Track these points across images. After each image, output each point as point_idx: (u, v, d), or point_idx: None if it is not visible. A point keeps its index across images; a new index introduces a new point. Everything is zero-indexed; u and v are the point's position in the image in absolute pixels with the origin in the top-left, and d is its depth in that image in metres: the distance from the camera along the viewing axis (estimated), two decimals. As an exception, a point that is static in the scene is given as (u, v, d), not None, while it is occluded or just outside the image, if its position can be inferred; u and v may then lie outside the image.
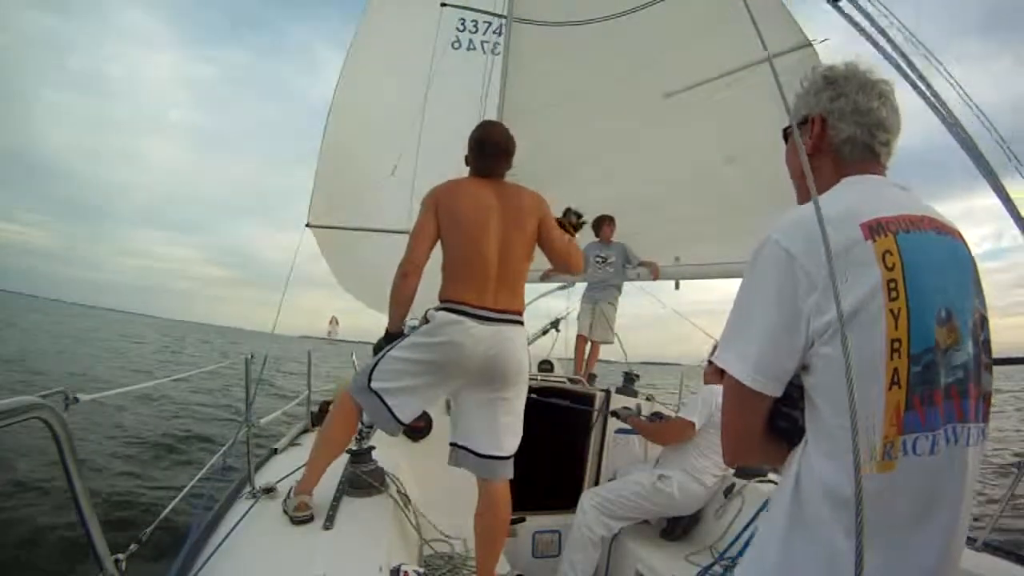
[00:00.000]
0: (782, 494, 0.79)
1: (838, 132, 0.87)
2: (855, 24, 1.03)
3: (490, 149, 1.90)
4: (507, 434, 1.78)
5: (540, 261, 2.03)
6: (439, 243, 1.85)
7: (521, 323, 1.85)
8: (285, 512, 1.64)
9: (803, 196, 0.95)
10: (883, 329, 0.71)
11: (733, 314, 0.82)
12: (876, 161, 0.87)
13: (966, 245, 0.81)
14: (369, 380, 1.73)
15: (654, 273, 3.94)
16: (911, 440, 0.71)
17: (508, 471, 1.79)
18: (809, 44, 3.15)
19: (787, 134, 0.97)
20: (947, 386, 0.73)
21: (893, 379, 0.70)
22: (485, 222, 1.80)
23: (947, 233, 0.79)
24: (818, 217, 0.72)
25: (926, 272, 0.74)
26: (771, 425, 0.82)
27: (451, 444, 1.83)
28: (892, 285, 0.71)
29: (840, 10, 1.06)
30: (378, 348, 1.84)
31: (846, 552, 0.69)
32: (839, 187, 0.85)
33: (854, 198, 0.80)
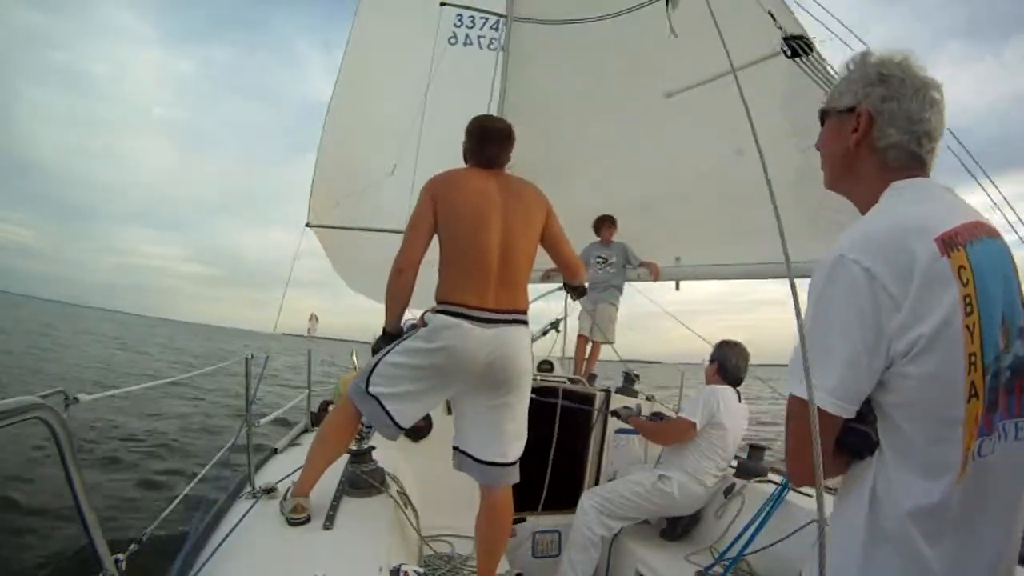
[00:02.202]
0: (855, 510, 0.79)
1: (885, 136, 0.84)
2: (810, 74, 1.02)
3: (493, 135, 1.82)
4: (511, 440, 1.72)
5: (540, 260, 2.01)
6: (436, 238, 1.76)
7: (525, 323, 1.75)
8: (281, 513, 1.64)
9: (835, 184, 0.93)
10: (962, 345, 0.71)
11: (809, 338, 0.77)
12: (922, 166, 0.85)
13: (1007, 246, 0.82)
14: (367, 384, 1.67)
15: (654, 274, 3.94)
16: (978, 444, 0.73)
17: (511, 477, 1.74)
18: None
19: (824, 116, 0.93)
20: (1002, 386, 0.75)
21: (971, 391, 0.72)
22: (486, 215, 1.70)
23: (995, 237, 0.80)
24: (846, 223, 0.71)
25: (991, 283, 0.75)
26: (842, 442, 0.81)
27: (454, 448, 1.80)
28: (968, 300, 0.72)
29: (799, 64, 1.05)
30: (376, 348, 1.78)
31: (932, 558, 0.72)
32: (896, 195, 0.83)
33: (919, 209, 0.79)
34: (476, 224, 1.69)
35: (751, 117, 0.86)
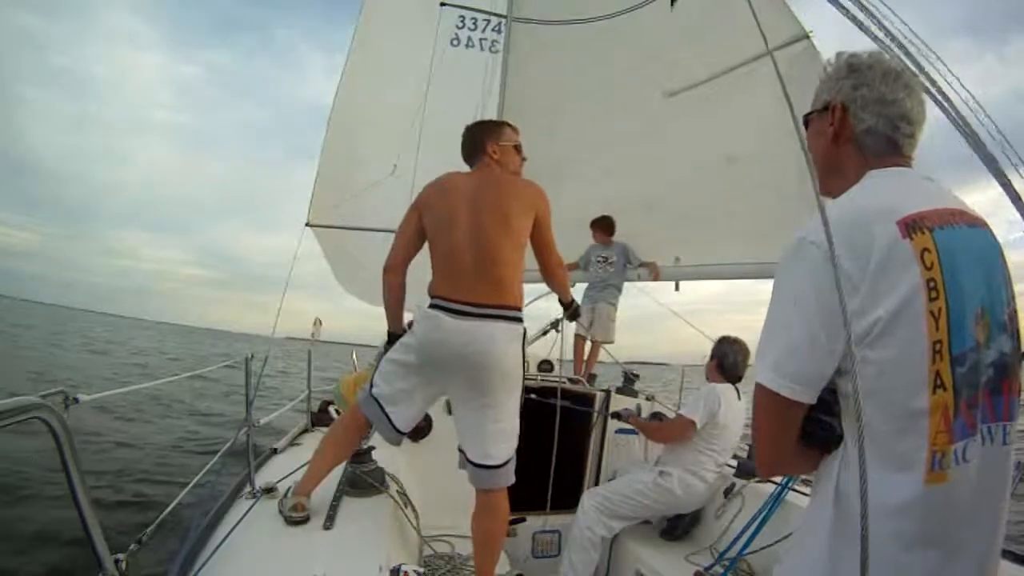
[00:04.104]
0: (821, 507, 0.76)
1: (860, 122, 0.84)
2: (854, 19, 1.01)
3: (462, 140, 1.93)
4: (496, 443, 1.69)
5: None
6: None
7: (509, 318, 1.70)
8: (281, 512, 1.64)
9: (824, 186, 0.92)
10: (924, 331, 0.68)
11: (768, 322, 0.78)
12: (899, 153, 0.84)
13: (994, 236, 0.79)
14: (371, 386, 1.74)
15: (655, 274, 3.94)
16: (961, 448, 0.69)
17: (502, 479, 1.72)
18: (807, 36, 3.15)
19: (808, 121, 0.94)
20: (982, 385, 0.71)
21: (936, 382, 0.68)
22: (454, 212, 1.74)
23: (978, 225, 0.77)
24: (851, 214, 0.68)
25: (963, 269, 0.71)
26: (805, 433, 0.78)
27: (459, 447, 1.79)
28: (932, 284, 0.69)
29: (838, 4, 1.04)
30: (385, 351, 1.84)
31: (906, 566, 0.68)
32: (869, 181, 0.82)
33: (887, 193, 0.78)
34: (445, 223, 1.74)
35: (789, 99, 0.84)
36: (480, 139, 1.89)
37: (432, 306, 1.70)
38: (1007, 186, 0.78)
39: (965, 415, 0.69)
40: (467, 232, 1.72)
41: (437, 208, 1.78)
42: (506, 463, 1.71)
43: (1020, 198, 0.78)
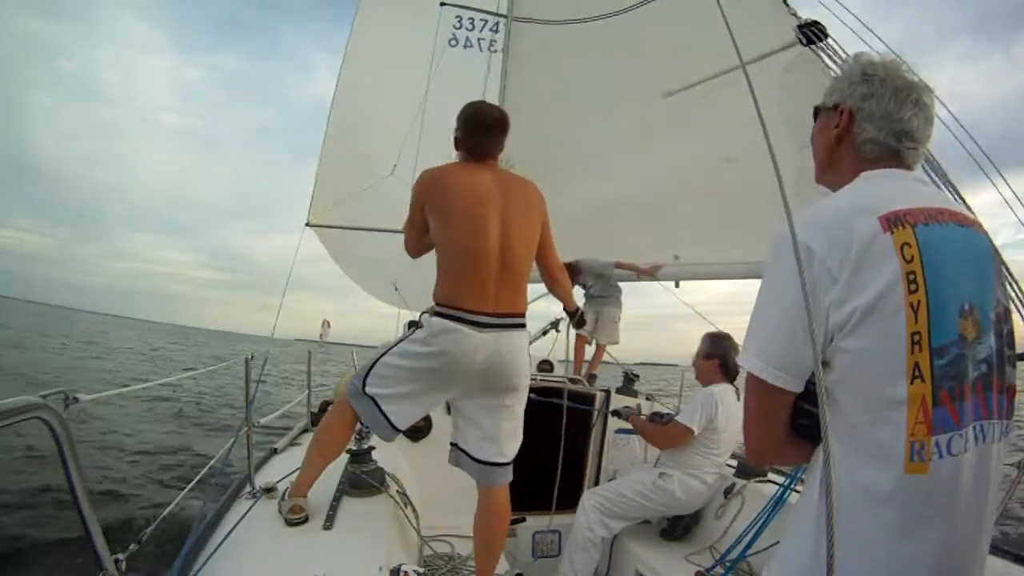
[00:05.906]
0: (808, 497, 0.78)
1: (863, 131, 0.86)
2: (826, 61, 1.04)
3: (489, 122, 1.75)
4: (508, 440, 1.73)
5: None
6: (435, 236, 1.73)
7: (523, 326, 1.73)
8: (280, 513, 1.64)
9: (822, 178, 0.96)
10: (903, 322, 0.69)
11: (754, 313, 0.81)
12: (900, 161, 0.86)
13: (988, 237, 0.80)
14: (364, 385, 1.67)
15: (641, 271, 3.90)
16: (945, 440, 0.70)
17: (508, 476, 1.75)
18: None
19: (817, 112, 0.96)
20: (973, 381, 0.72)
21: (915, 373, 0.69)
22: (484, 214, 1.64)
23: (968, 225, 0.78)
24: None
25: (946, 264, 0.72)
26: (793, 424, 0.81)
27: (452, 444, 1.80)
28: (911, 277, 0.70)
29: (815, 51, 1.07)
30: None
31: (891, 555, 0.69)
32: (858, 181, 0.84)
33: (873, 191, 0.80)
34: (473, 225, 1.64)
35: (760, 111, 0.86)
36: (508, 128, 1.78)
37: (449, 316, 1.62)
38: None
39: (948, 407, 0.70)
40: (496, 240, 1.65)
41: (458, 207, 1.65)
42: (512, 461, 1.75)
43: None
